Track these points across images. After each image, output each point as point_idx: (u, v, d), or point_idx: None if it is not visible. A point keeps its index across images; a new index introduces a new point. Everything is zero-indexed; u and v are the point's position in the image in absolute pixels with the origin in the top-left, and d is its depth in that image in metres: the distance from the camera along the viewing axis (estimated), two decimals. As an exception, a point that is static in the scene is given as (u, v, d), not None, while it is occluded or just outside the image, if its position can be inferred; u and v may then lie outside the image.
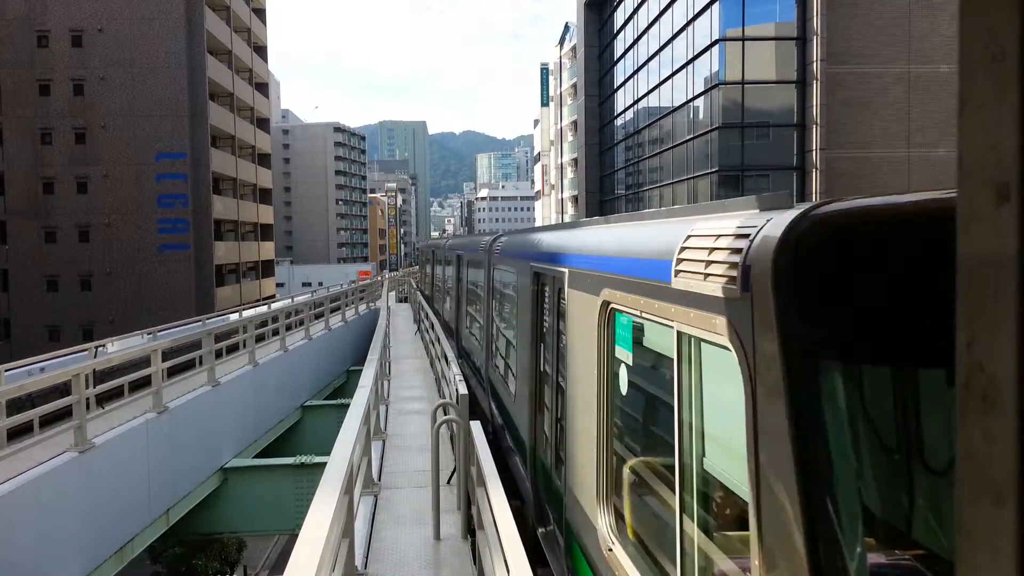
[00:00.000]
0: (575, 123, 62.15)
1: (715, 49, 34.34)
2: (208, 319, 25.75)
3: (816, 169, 31.44)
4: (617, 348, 4.31)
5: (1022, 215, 0.62)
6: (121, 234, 48.50)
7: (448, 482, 8.21)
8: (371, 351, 12.81)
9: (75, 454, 9.56)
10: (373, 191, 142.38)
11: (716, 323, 2.72)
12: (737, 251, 2.59)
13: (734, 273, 2.57)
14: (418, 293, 28.99)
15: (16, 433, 10.56)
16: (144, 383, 12.39)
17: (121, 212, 48.55)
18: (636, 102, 47.27)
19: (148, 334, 21.66)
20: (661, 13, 41.16)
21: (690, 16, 36.84)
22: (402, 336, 22.93)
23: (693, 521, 3.13)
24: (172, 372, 14.57)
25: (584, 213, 56.80)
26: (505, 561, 3.92)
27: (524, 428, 7.50)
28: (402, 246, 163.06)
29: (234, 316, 26.49)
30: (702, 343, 3.01)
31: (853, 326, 2.26)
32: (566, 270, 5.46)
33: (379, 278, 50.67)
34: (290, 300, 28.80)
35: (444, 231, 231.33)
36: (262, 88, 65.56)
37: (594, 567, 4.49)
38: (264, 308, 26.37)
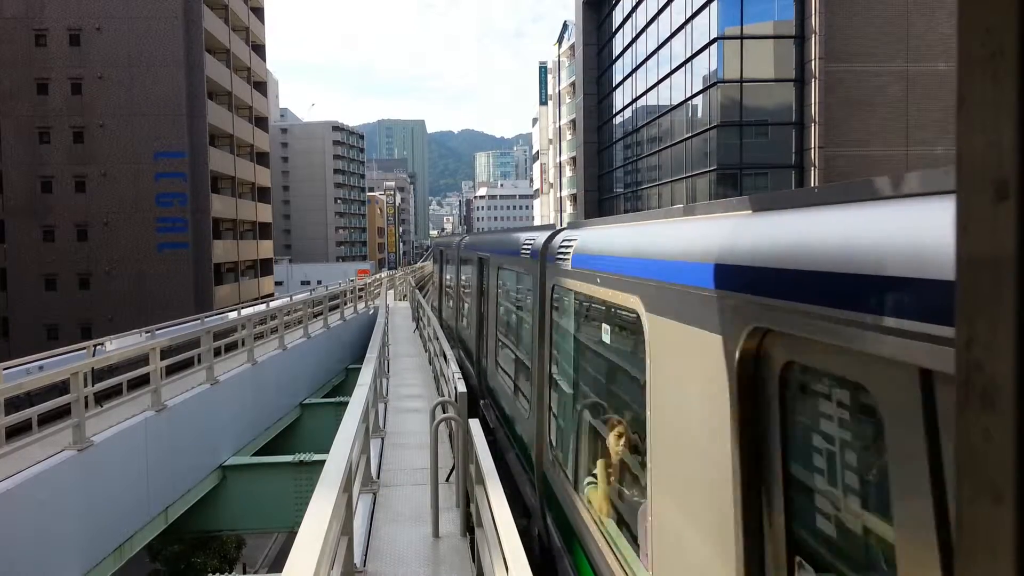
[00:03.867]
0: (574, 121, 62.16)
1: (713, 47, 34.34)
2: (207, 317, 25.75)
3: (815, 167, 31.46)
4: None
5: (1021, 213, 0.62)
6: (119, 233, 48.45)
7: (447, 480, 8.20)
8: (370, 349, 12.77)
9: (74, 452, 9.56)
10: (372, 190, 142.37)
11: None
12: None
13: None
14: (417, 292, 28.96)
15: (15, 432, 10.57)
16: (143, 381, 12.40)
17: (119, 211, 48.50)
18: (634, 100, 47.28)
19: (146, 332, 21.66)
20: (659, 11, 41.16)
21: (688, 14, 36.84)
22: (401, 334, 22.89)
23: None
24: (171, 370, 14.57)
25: (583, 212, 56.81)
26: (504, 559, 3.92)
27: None
28: (401, 245, 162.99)
29: (233, 314, 26.48)
30: None
31: None
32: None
33: (378, 277, 50.64)
34: (289, 299, 28.78)
35: (443, 229, 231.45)
36: (260, 87, 65.50)
37: None
38: (263, 306, 26.35)
